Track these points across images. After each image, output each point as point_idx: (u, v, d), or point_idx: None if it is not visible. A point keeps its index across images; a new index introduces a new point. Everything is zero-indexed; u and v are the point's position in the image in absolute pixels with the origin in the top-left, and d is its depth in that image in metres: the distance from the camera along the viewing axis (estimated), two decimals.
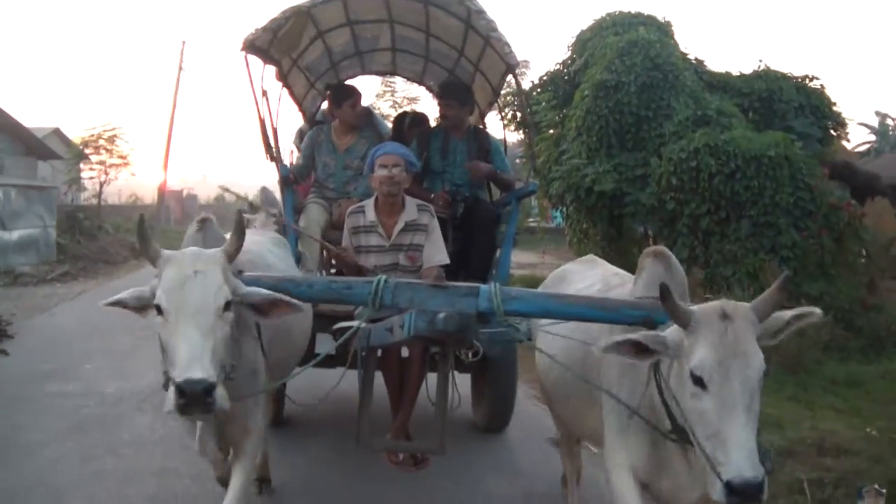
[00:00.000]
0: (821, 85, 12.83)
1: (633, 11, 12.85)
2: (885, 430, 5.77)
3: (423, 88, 7.99)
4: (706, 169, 9.62)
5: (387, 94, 21.42)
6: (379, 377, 4.19)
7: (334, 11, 5.65)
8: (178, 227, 28.70)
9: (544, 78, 13.23)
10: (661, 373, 2.61)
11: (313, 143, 5.67)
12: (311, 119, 6.70)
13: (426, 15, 5.50)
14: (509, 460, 5.42)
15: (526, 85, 13.10)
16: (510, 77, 5.65)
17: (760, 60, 14.28)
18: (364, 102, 6.51)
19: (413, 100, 18.68)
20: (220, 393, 2.52)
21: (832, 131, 12.87)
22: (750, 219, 9.48)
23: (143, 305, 2.74)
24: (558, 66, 13.30)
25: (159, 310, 2.64)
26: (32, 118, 20.32)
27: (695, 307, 2.50)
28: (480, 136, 5.73)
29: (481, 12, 4.76)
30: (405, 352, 4.32)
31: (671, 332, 2.54)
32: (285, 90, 6.23)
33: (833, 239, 9.50)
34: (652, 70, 11.10)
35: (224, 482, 3.38)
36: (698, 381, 2.36)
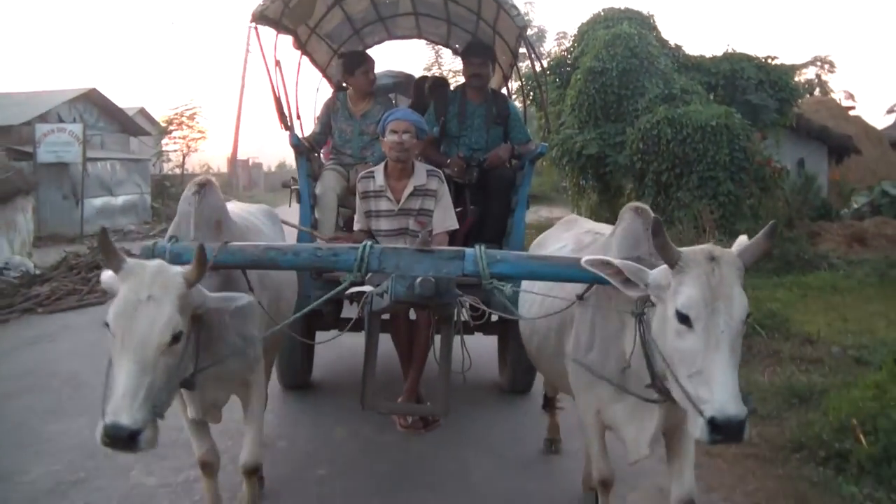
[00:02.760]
0: (780, 64, 15.51)
1: (622, 7, 15.67)
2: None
3: None
4: (664, 136, 12.54)
5: (434, 68, 24.15)
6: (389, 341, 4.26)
7: None
8: (246, 192, 32.40)
9: (550, 62, 16.14)
10: (645, 322, 2.64)
11: (329, 110, 5.69)
12: (338, 86, 6.46)
13: None
14: (525, 422, 5.33)
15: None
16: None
17: (728, 45, 16.97)
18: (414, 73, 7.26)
19: (458, 72, 21.11)
20: (146, 436, 2.46)
21: (789, 102, 15.51)
22: (697, 174, 12.39)
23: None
24: (563, 53, 16.21)
25: (108, 327, 2.56)
26: (121, 99, 23.89)
27: (683, 249, 2.53)
28: (499, 100, 5.71)
29: None
30: (413, 315, 4.34)
31: (657, 272, 2.57)
32: (305, 58, 6.33)
33: (760, 188, 12.42)
34: (631, 58, 13.94)
35: (206, 466, 3.45)
36: (684, 320, 2.41)
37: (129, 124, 25.14)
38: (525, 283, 3.47)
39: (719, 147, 12.26)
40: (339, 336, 3.95)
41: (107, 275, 2.74)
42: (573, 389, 3.25)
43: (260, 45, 5.06)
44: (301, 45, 6.00)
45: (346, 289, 3.20)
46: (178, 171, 26.62)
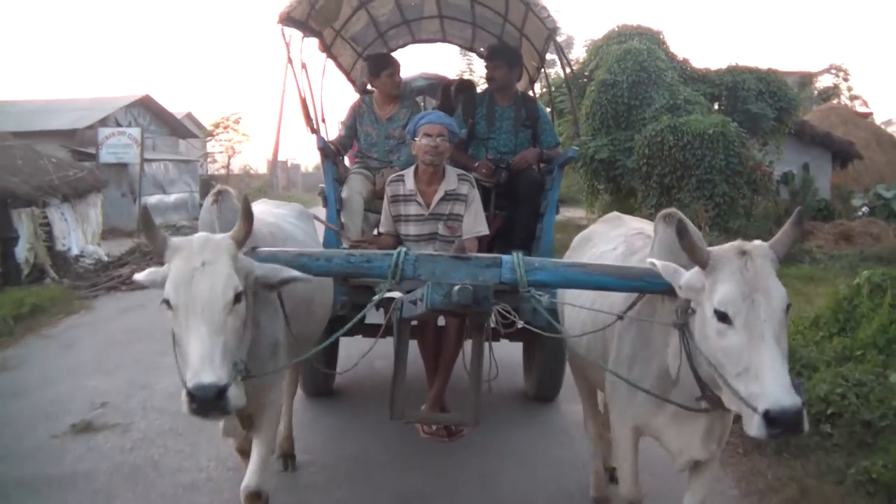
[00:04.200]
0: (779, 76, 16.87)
1: (634, 24, 17.15)
2: None
3: None
4: (667, 142, 13.98)
5: (465, 74, 25.59)
6: (416, 348, 4.12)
7: None
8: (285, 192, 34.22)
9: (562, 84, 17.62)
10: (689, 333, 2.56)
11: (355, 113, 5.61)
12: (363, 89, 6.49)
13: None
14: (553, 431, 5.30)
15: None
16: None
17: (731, 59, 18.40)
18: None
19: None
20: (234, 393, 2.44)
21: (788, 111, 16.85)
22: (696, 177, 13.82)
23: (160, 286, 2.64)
24: (579, 67, 17.71)
25: (168, 304, 2.56)
26: (170, 104, 25.69)
27: (712, 248, 2.51)
28: (528, 103, 5.62)
29: None
30: (442, 322, 4.19)
31: (690, 275, 2.52)
32: (330, 61, 6.24)
33: (752, 190, 13.83)
34: (640, 71, 15.42)
35: (243, 452, 3.39)
36: (723, 318, 2.36)
37: (178, 128, 26.97)
38: (568, 297, 3.45)
39: (716, 153, 13.67)
40: (366, 346, 3.77)
41: (142, 274, 2.76)
42: (609, 401, 3.19)
43: (287, 46, 5.05)
44: (326, 48, 5.97)
45: (381, 298, 3.12)
46: (223, 171, 28.47)
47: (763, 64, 16.90)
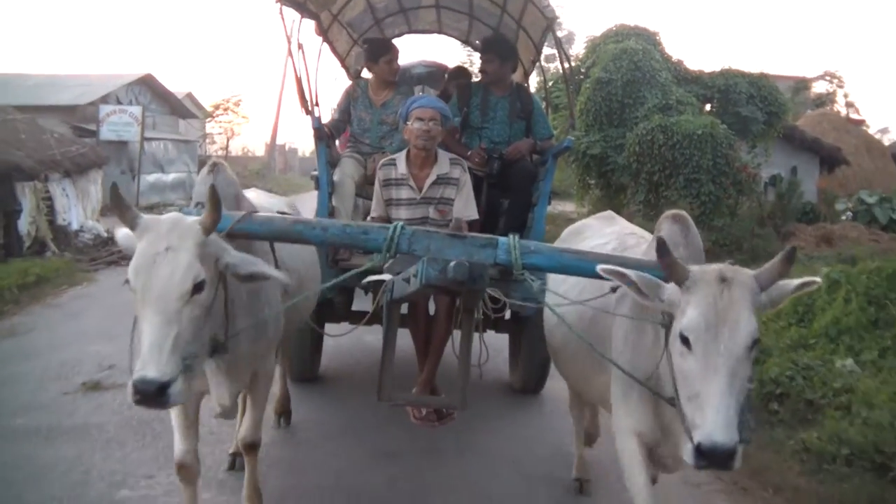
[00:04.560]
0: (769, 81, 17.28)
1: (631, 24, 17.51)
2: None
3: None
4: (657, 141, 14.34)
5: (465, 65, 25.93)
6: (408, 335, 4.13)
7: None
8: (282, 175, 34.55)
9: (559, 77, 17.96)
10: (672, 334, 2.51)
11: (349, 97, 5.59)
12: (356, 76, 6.49)
13: None
14: (538, 420, 5.42)
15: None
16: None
17: (727, 63, 18.83)
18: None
19: None
20: (177, 389, 2.39)
21: (778, 115, 17.24)
22: (684, 175, 14.18)
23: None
24: (576, 63, 18.04)
25: (129, 284, 2.51)
26: (171, 84, 25.93)
27: (695, 267, 2.49)
28: (523, 94, 5.61)
29: None
30: (432, 308, 4.22)
31: (672, 288, 2.50)
32: (326, 45, 6.19)
33: (737, 191, 14.23)
34: (634, 71, 15.75)
35: (185, 469, 3.28)
36: (685, 341, 2.37)
37: (178, 107, 27.21)
38: (554, 285, 3.45)
39: (704, 153, 14.05)
40: (353, 330, 4.04)
41: (122, 232, 2.72)
42: (613, 402, 3.06)
43: (284, 26, 5.04)
44: (323, 31, 5.94)
45: (367, 271, 3.13)
46: (221, 152, 28.77)
47: (760, 67, 17.42)
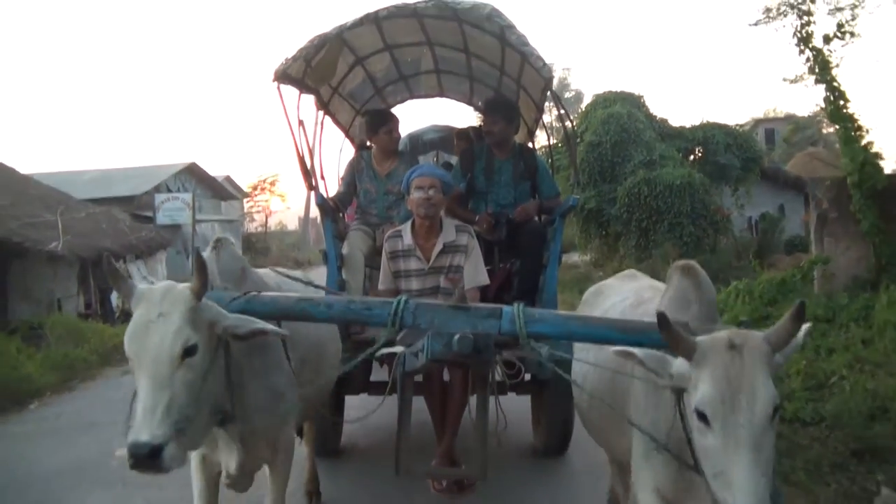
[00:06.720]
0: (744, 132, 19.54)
1: (617, 90, 19.90)
2: None
3: None
4: (643, 193, 16.63)
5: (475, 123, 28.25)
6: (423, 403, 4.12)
7: (369, 37, 5.56)
8: (315, 246, 36.96)
9: (561, 135, 20.32)
10: (685, 403, 2.38)
11: (354, 169, 5.56)
12: (361, 146, 6.36)
13: (462, 34, 5.44)
14: (562, 486, 5.13)
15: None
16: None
17: (702, 118, 21.18)
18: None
19: None
20: (171, 452, 2.37)
21: (754, 160, 19.46)
22: (668, 220, 16.38)
23: None
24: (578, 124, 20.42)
25: (126, 352, 2.53)
26: (210, 167, 28.81)
27: (703, 337, 2.33)
28: (526, 155, 5.55)
29: (511, 27, 4.61)
30: (447, 376, 4.17)
31: (680, 362, 2.36)
32: (328, 118, 6.16)
33: (714, 230, 16.39)
34: (621, 132, 18.10)
35: (234, 485, 3.21)
36: (702, 418, 2.21)
37: (220, 190, 30.09)
38: (578, 352, 3.41)
39: (683, 200, 16.30)
40: (372, 404, 3.69)
41: (138, 289, 2.69)
42: (633, 461, 2.96)
43: (283, 104, 5.03)
44: (324, 105, 5.91)
45: (381, 348, 3.06)
46: (261, 229, 31.41)
47: (762, 110, 19.58)
